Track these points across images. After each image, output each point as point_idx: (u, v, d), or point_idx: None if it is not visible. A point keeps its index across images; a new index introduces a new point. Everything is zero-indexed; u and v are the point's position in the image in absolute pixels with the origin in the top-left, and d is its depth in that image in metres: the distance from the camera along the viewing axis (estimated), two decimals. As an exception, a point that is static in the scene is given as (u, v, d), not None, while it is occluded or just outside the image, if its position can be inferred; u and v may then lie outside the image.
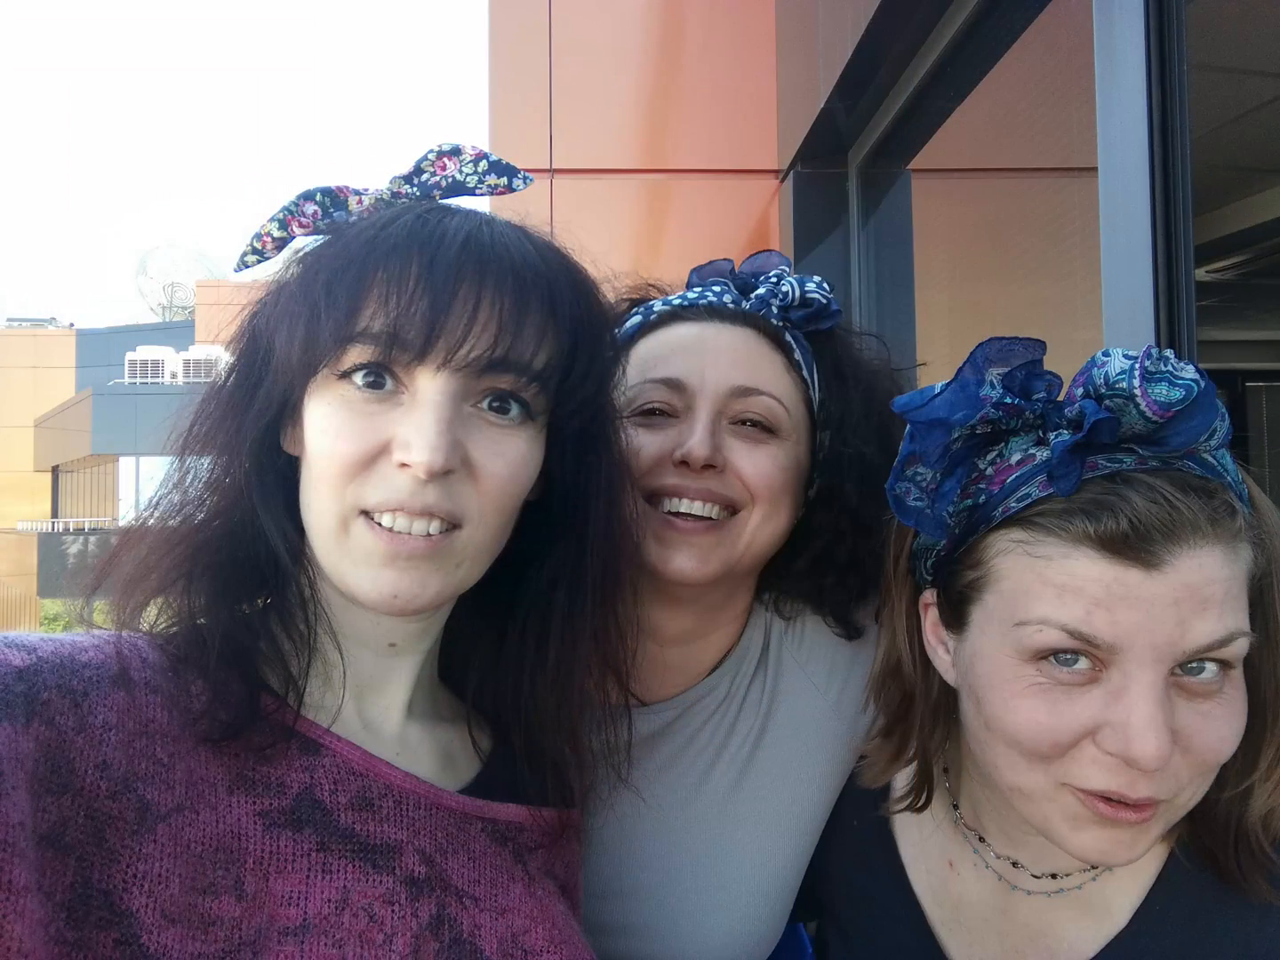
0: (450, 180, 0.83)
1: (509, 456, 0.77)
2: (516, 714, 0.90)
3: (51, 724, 0.63)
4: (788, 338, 1.12)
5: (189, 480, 0.80)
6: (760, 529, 1.06)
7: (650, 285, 1.20)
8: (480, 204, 0.85)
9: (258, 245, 0.81)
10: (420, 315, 0.72)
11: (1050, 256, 2.20)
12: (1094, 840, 0.76)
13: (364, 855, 0.74)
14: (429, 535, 0.74)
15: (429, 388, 0.73)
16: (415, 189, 0.82)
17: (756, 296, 1.13)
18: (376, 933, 0.72)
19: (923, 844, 0.98)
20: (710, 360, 1.07)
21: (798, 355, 1.11)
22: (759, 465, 1.05)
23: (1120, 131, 1.63)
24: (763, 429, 1.07)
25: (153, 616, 0.77)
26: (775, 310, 1.12)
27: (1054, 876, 0.89)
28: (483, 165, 0.84)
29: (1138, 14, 1.60)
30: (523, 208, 0.86)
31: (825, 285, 1.14)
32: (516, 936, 0.80)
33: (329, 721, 0.79)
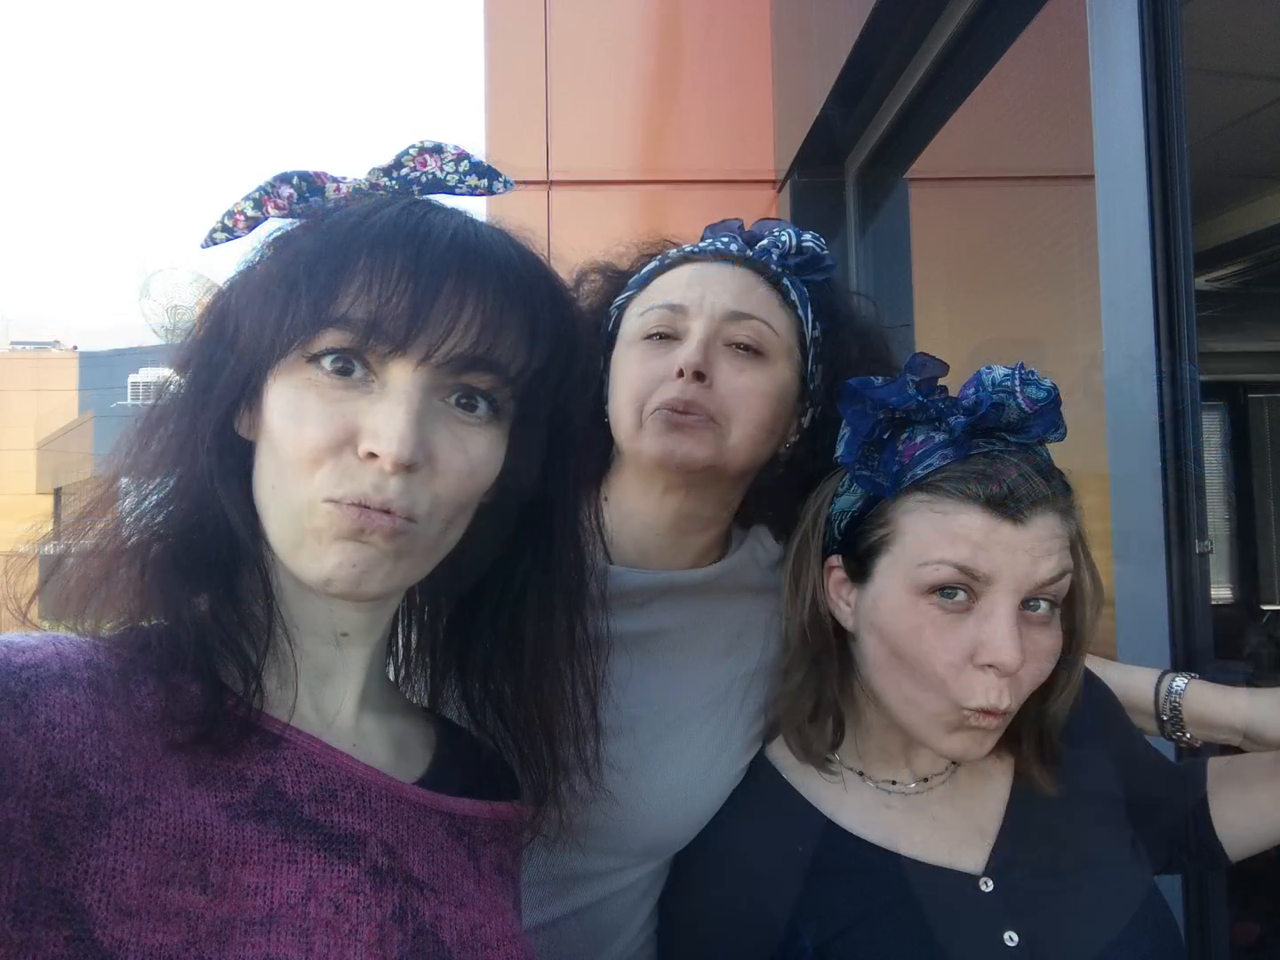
0: (430, 177, 0.81)
1: (472, 454, 0.76)
2: (491, 717, 0.90)
3: None
4: (785, 281, 1.22)
5: (144, 463, 0.79)
6: (743, 441, 1.16)
7: (666, 240, 1.32)
8: (479, 211, 0.84)
9: (229, 223, 0.80)
10: (404, 308, 0.71)
11: (1049, 264, 2.19)
12: (961, 741, 1.02)
13: (328, 846, 0.73)
14: (392, 515, 0.73)
15: (402, 379, 0.72)
16: (394, 182, 0.81)
17: (759, 246, 1.25)
18: (343, 922, 0.70)
19: (833, 798, 1.12)
20: (710, 289, 1.18)
21: (794, 296, 1.22)
22: (743, 384, 1.16)
23: (1117, 137, 1.61)
24: (752, 352, 1.17)
25: (105, 621, 0.75)
26: (775, 257, 1.23)
27: (925, 780, 1.13)
28: (464, 165, 0.83)
29: (1132, 16, 1.59)
30: (519, 219, 0.85)
31: (821, 239, 1.26)
32: (475, 929, 0.80)
33: (286, 714, 0.77)
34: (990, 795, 1.13)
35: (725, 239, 1.26)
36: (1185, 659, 1.48)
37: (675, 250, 1.27)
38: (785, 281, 1.22)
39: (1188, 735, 1.18)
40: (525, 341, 0.76)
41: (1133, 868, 1.10)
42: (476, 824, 0.86)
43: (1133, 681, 1.23)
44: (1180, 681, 1.19)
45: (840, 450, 1.08)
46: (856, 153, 2.97)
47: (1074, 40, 1.79)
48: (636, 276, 1.27)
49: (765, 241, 1.24)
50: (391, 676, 0.94)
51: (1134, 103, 1.57)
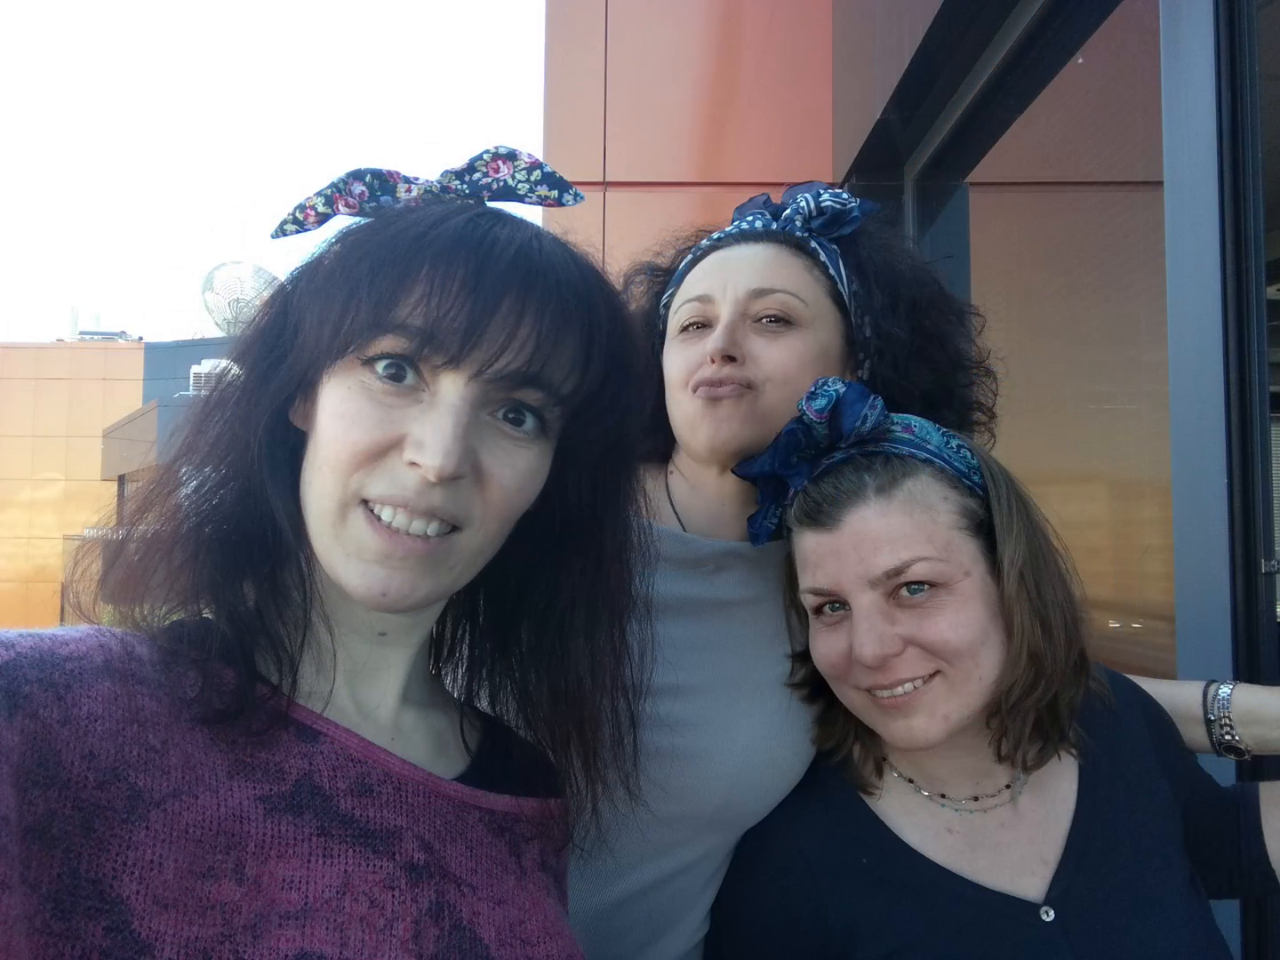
0: (502, 184, 0.82)
1: (519, 468, 0.76)
2: (533, 716, 0.91)
3: (35, 717, 0.62)
4: (812, 245, 1.25)
5: (200, 449, 0.80)
6: (780, 403, 1.17)
7: (700, 230, 1.35)
8: (533, 213, 0.84)
9: (299, 216, 0.81)
10: (461, 321, 0.71)
11: (1114, 273, 2.14)
12: (899, 727, 1.03)
13: (364, 841, 0.74)
14: (426, 537, 0.73)
15: (453, 392, 0.73)
16: (465, 186, 0.81)
17: (784, 217, 1.27)
18: (378, 917, 0.71)
19: (899, 814, 1.12)
20: (732, 272, 1.23)
21: (823, 258, 1.24)
22: (775, 353, 1.19)
23: (1188, 143, 1.58)
24: (782, 322, 1.20)
25: (160, 605, 0.76)
26: (799, 225, 1.26)
27: (975, 799, 1.11)
28: (536, 175, 0.83)
29: (1207, 20, 1.55)
30: (574, 220, 0.85)
31: (842, 194, 1.27)
32: (514, 926, 0.80)
33: (322, 707, 0.78)
34: (1053, 822, 1.11)
35: (751, 217, 1.30)
36: (1248, 681, 1.44)
37: (706, 240, 1.31)
38: (813, 245, 1.24)
39: (1237, 736, 1.17)
40: (579, 363, 0.76)
41: (1192, 895, 1.09)
42: (518, 821, 0.87)
43: (1179, 692, 1.23)
44: (1226, 688, 1.20)
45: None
46: (916, 157, 2.94)
47: (1145, 44, 1.75)
48: (676, 273, 1.31)
49: (788, 211, 1.27)
50: (434, 672, 0.95)
51: (1206, 108, 1.54)
